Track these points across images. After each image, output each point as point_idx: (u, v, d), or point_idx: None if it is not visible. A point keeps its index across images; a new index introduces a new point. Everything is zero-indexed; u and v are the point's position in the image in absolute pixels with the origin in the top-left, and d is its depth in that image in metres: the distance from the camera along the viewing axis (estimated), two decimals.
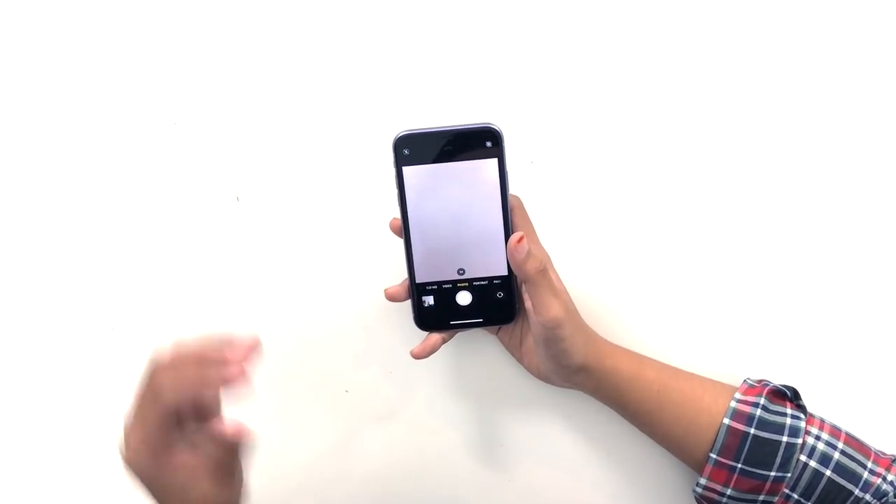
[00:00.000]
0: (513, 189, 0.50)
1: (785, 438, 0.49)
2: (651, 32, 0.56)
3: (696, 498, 0.53)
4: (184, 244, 0.59)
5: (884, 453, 0.51)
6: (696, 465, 0.52)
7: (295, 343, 0.59)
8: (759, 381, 0.53)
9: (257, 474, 0.61)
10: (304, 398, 0.60)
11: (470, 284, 0.50)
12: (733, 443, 0.50)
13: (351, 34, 0.57)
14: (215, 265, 0.59)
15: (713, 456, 0.50)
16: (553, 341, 0.48)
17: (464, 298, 0.50)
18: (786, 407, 0.51)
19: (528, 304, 0.49)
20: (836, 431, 0.50)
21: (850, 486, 0.49)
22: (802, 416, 0.50)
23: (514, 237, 0.46)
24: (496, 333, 0.55)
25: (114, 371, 0.60)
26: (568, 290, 0.51)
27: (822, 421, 0.51)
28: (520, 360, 0.55)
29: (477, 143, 0.47)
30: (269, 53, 0.57)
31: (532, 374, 0.54)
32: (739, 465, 0.50)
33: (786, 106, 0.56)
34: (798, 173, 0.56)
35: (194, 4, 0.57)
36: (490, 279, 0.50)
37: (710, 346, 0.57)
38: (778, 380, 0.54)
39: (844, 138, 0.56)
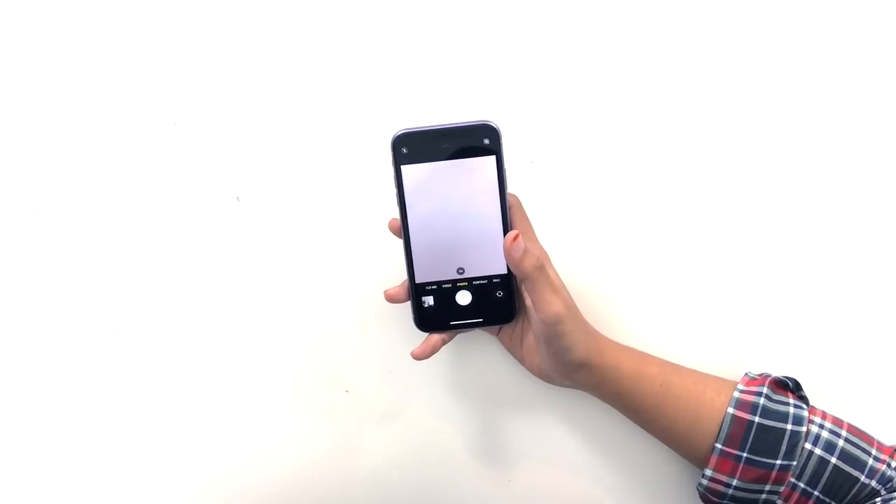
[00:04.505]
0: (513, 189, 0.50)
1: (789, 426, 0.49)
2: (650, 33, 0.56)
3: (700, 494, 0.53)
4: (184, 244, 0.59)
5: (884, 444, 0.51)
6: (700, 460, 0.52)
7: (295, 343, 0.59)
8: (761, 374, 0.53)
9: (257, 474, 0.61)
10: (304, 398, 0.60)
11: (469, 284, 0.50)
12: (738, 432, 0.50)
13: (350, 34, 0.57)
14: (215, 265, 0.59)
15: (718, 446, 0.50)
16: (554, 338, 0.48)
17: (463, 298, 0.50)
18: (788, 397, 0.51)
19: (527, 301, 0.49)
20: (838, 421, 0.51)
21: (855, 473, 0.49)
22: (805, 405, 0.51)
23: (508, 236, 0.46)
24: (496, 334, 0.55)
25: (114, 371, 0.60)
26: (569, 288, 0.51)
27: (825, 412, 0.51)
28: (521, 360, 0.55)
29: (475, 140, 0.47)
30: (269, 53, 0.57)
31: (533, 373, 0.54)
32: (745, 455, 0.50)
33: (784, 103, 0.56)
34: (796, 170, 0.56)
35: (194, 4, 0.57)
36: (489, 278, 0.50)
37: (711, 344, 0.57)
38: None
39: (843, 135, 0.56)
